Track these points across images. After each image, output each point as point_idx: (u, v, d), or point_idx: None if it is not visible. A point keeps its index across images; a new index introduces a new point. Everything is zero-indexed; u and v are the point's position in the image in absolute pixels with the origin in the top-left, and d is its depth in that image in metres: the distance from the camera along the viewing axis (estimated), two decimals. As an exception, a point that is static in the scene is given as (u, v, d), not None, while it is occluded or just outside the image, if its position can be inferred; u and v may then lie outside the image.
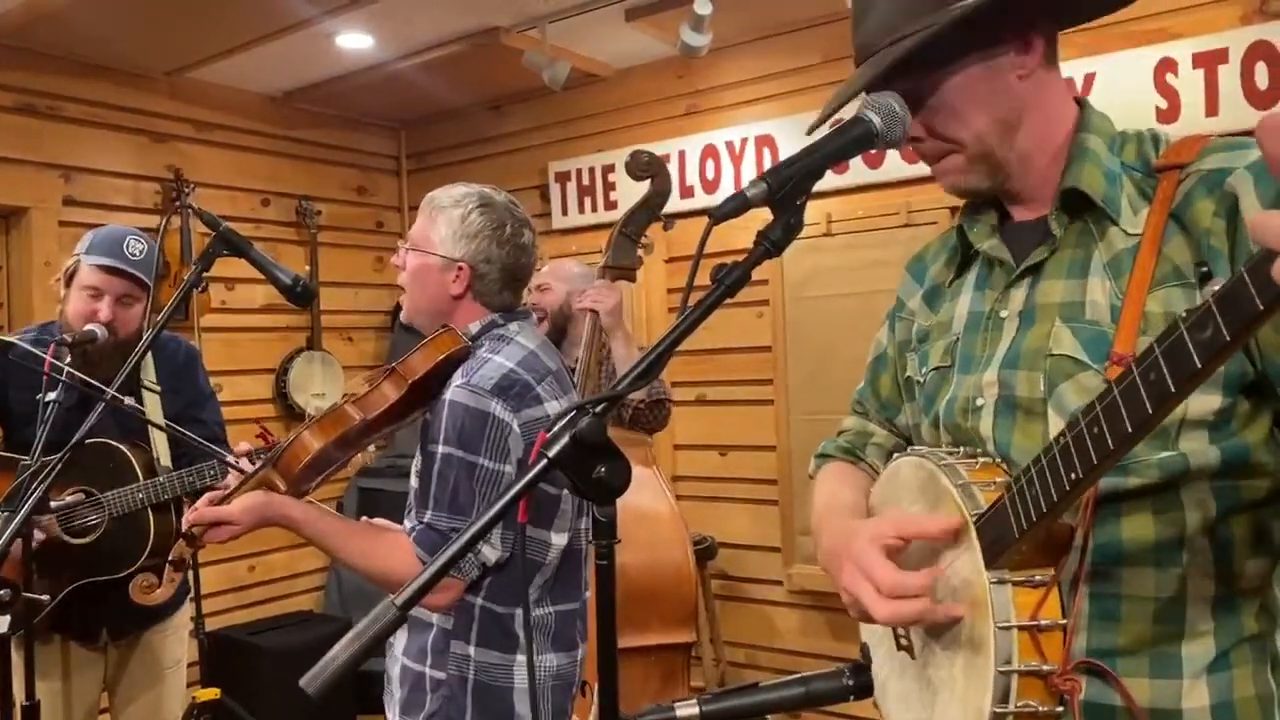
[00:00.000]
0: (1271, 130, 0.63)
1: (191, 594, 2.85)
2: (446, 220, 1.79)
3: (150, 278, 2.37)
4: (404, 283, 1.84)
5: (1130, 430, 0.77)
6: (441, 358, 1.70)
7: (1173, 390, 0.71)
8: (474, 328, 1.80)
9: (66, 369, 2.15)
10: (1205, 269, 0.93)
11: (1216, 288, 0.67)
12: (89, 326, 2.30)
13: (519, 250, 1.82)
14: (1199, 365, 0.69)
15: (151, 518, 2.34)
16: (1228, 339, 0.66)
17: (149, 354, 2.38)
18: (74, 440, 1.86)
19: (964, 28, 1.02)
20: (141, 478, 2.34)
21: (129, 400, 1.89)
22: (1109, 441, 0.79)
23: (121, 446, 2.36)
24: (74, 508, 2.32)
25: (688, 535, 2.83)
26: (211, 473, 2.29)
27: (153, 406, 2.44)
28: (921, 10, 1.04)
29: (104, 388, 1.91)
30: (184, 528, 1.68)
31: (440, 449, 1.67)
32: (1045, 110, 1.08)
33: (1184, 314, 0.70)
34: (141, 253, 2.37)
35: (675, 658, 2.80)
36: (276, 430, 1.87)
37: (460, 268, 1.78)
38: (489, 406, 1.66)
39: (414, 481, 1.79)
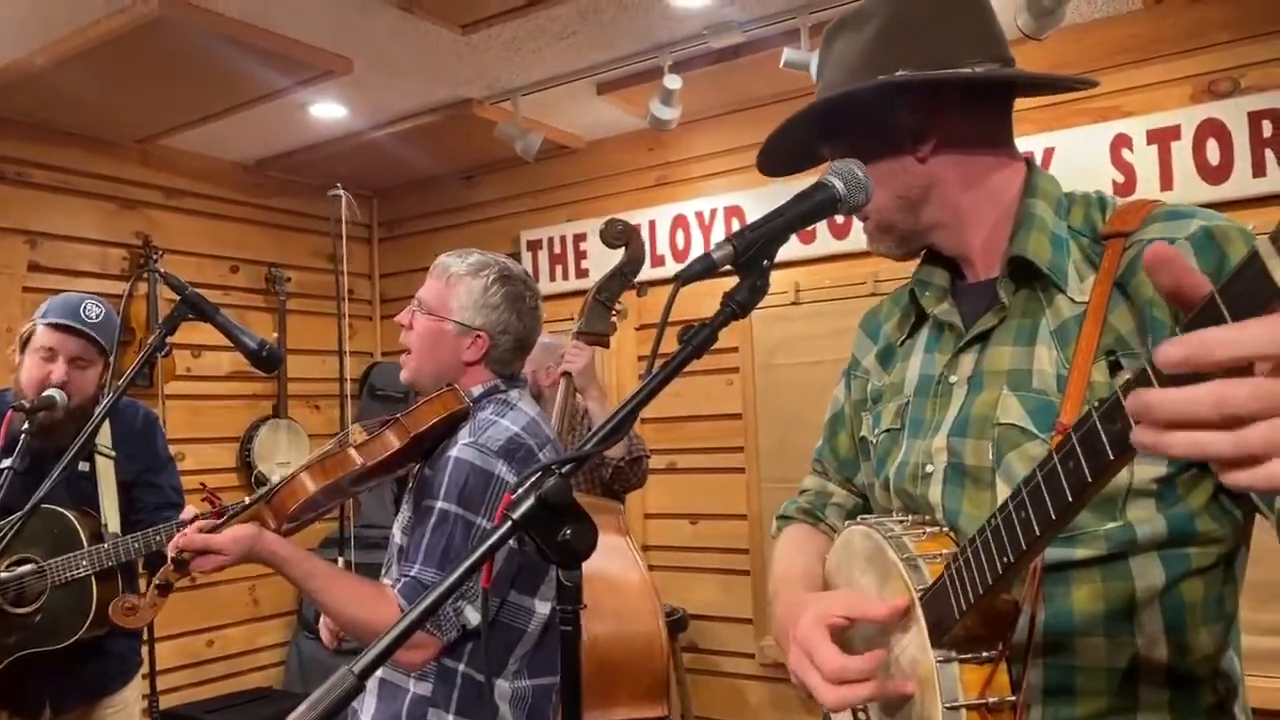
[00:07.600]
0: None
1: (144, 669, 2.75)
2: (467, 289, 1.81)
3: (107, 342, 2.34)
4: (410, 343, 1.85)
5: (1055, 516, 0.76)
6: (445, 415, 1.72)
7: (1090, 480, 0.71)
8: (476, 390, 1.82)
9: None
10: (1114, 357, 0.93)
11: (1128, 376, 0.66)
12: (48, 392, 2.26)
13: (534, 320, 1.87)
14: (1112, 457, 0.67)
15: (95, 587, 2.26)
16: None
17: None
18: (28, 507, 1.82)
19: (855, 110, 1.07)
20: (86, 545, 2.26)
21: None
22: (1035, 527, 0.78)
23: (68, 513, 2.29)
24: (22, 578, 2.25)
25: (660, 606, 2.78)
26: (158, 539, 2.22)
27: (105, 471, 2.38)
28: (839, 80, 1.10)
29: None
30: (172, 552, 1.65)
31: (439, 504, 1.67)
32: (963, 184, 1.09)
33: (1097, 403, 0.69)
34: (98, 317, 2.34)
35: (644, 734, 2.73)
36: (230, 498, 1.85)
37: (479, 336, 1.81)
38: (495, 467, 1.68)
39: (399, 538, 1.79)
